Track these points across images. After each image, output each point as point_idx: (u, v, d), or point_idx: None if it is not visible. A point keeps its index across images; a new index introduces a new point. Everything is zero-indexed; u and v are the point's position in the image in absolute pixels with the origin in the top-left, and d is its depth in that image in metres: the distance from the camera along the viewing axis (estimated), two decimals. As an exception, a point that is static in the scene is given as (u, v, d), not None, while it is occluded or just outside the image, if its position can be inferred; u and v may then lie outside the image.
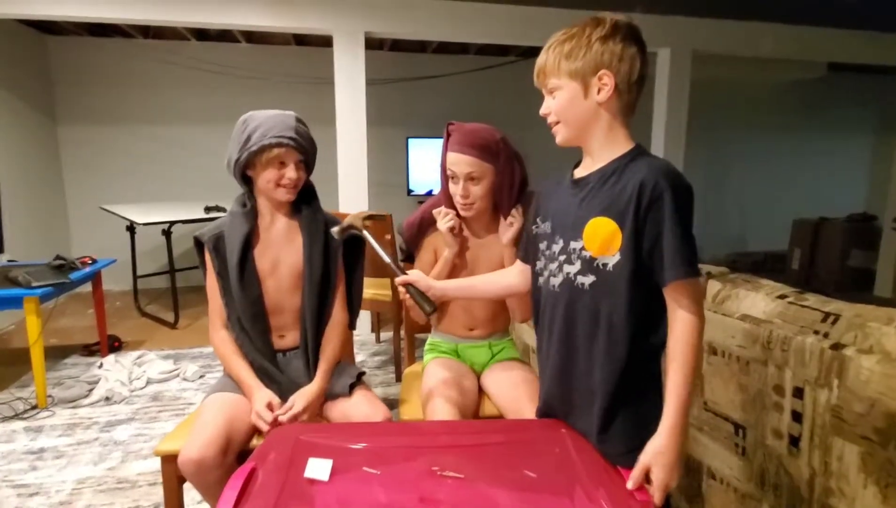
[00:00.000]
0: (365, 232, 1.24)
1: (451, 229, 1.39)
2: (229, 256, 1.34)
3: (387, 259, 1.17)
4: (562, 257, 0.98)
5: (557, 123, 0.97)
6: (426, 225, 1.46)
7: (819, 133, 5.81)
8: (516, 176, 1.38)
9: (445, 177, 1.39)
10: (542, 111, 0.98)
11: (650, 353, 0.93)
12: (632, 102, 0.94)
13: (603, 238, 0.91)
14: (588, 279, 0.93)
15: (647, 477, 0.86)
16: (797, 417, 1.17)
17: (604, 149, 0.95)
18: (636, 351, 0.92)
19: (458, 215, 1.41)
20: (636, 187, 0.87)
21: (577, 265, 0.95)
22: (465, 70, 4.83)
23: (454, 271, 1.43)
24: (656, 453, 0.85)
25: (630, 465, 0.87)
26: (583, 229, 0.94)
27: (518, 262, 1.19)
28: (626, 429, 0.92)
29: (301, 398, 1.29)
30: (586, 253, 0.93)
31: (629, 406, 0.93)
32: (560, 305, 0.98)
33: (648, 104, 3.98)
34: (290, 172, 1.32)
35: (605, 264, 0.91)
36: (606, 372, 0.92)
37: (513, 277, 1.20)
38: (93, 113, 4.33)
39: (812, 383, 1.13)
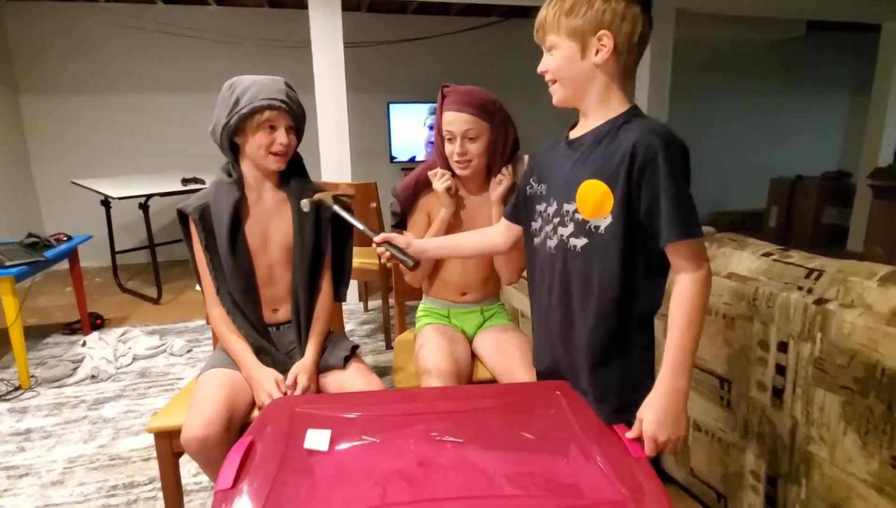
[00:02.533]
0: (335, 206, 1.25)
1: (448, 190, 1.40)
2: (217, 227, 1.30)
3: (361, 227, 1.21)
4: (556, 220, 0.98)
5: (554, 81, 0.95)
6: (421, 187, 1.47)
7: (798, 92, 5.84)
8: (510, 136, 1.40)
9: (441, 139, 1.39)
10: (540, 69, 0.96)
11: (643, 314, 0.95)
12: (631, 64, 0.92)
13: (595, 201, 0.91)
14: (580, 242, 0.94)
15: None
16: (781, 370, 1.21)
17: (599, 110, 0.93)
18: (629, 312, 0.93)
19: (453, 175, 1.42)
20: (629, 149, 0.86)
21: (570, 228, 0.95)
22: (446, 32, 4.70)
23: (450, 231, 1.43)
24: (646, 407, 0.88)
25: (623, 422, 0.90)
26: (576, 191, 0.93)
27: (503, 220, 1.18)
28: (620, 387, 0.95)
29: (304, 373, 1.29)
30: (579, 215, 0.93)
31: (622, 365, 0.95)
32: (556, 267, 0.98)
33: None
34: (282, 137, 1.28)
35: (597, 227, 0.91)
36: (600, 332, 0.94)
37: (496, 235, 1.19)
38: (57, 82, 4.12)
39: (796, 337, 1.16)
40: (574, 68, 0.91)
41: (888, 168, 4.33)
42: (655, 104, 3.87)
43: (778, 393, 1.22)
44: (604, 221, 0.90)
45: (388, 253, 1.13)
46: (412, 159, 4.64)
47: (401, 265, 1.17)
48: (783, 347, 1.20)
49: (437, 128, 1.40)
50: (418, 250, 1.16)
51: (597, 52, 0.89)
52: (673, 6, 3.70)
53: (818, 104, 5.94)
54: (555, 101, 0.96)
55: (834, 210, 4.89)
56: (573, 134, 0.99)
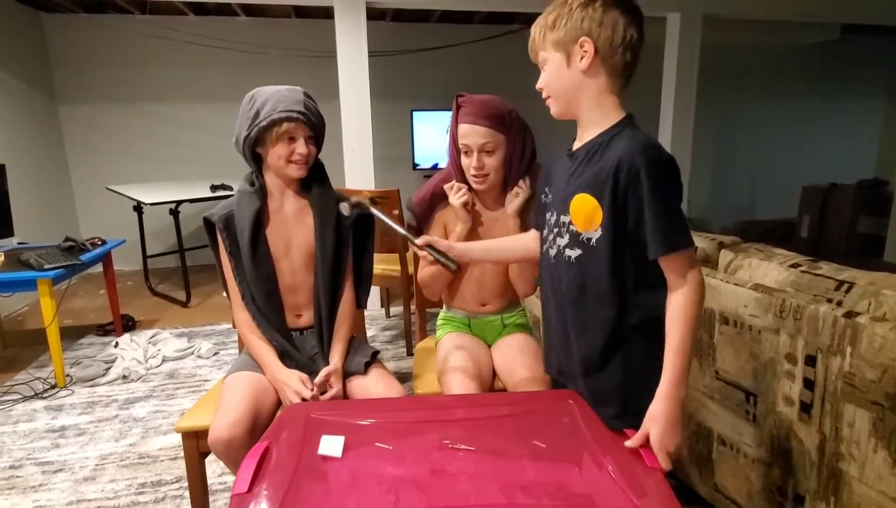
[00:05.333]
0: (373, 209, 1.23)
1: (465, 204, 1.37)
2: (240, 235, 1.34)
3: (401, 231, 1.16)
4: (556, 230, 1.01)
5: (549, 96, 0.97)
6: (437, 200, 1.44)
7: (832, 97, 5.65)
8: (527, 147, 1.36)
9: (456, 150, 1.36)
10: (538, 86, 0.99)
11: (638, 323, 0.95)
12: (620, 67, 0.92)
13: (586, 214, 0.93)
14: (575, 253, 0.96)
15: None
16: (809, 384, 1.17)
17: (593, 120, 0.95)
18: (622, 322, 0.94)
19: (469, 189, 1.39)
20: (614, 165, 0.88)
21: (566, 239, 0.98)
22: (469, 40, 4.72)
23: None
24: (652, 418, 0.88)
25: (626, 426, 0.91)
26: (570, 203, 0.96)
27: (533, 229, 1.18)
28: (619, 392, 0.96)
29: (336, 378, 1.32)
30: (573, 227, 0.96)
31: (620, 372, 0.96)
32: (556, 275, 1.01)
33: (657, 71, 3.88)
34: (301, 148, 1.31)
35: (589, 239, 0.94)
36: (593, 341, 0.96)
37: (530, 241, 1.19)
38: (93, 92, 4.29)
39: (825, 351, 1.13)
40: (562, 78, 0.94)
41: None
42: (682, 113, 3.80)
43: (806, 408, 1.19)
44: (594, 233, 0.93)
45: (430, 257, 1.10)
46: (435, 166, 4.66)
47: (443, 270, 1.12)
48: (811, 361, 1.16)
49: (451, 139, 1.36)
50: (461, 253, 1.14)
51: (581, 58, 0.91)
52: (700, 11, 3.64)
53: (853, 109, 5.73)
54: (553, 114, 0.99)
55: (869, 220, 4.72)
56: (574, 146, 1.01)
